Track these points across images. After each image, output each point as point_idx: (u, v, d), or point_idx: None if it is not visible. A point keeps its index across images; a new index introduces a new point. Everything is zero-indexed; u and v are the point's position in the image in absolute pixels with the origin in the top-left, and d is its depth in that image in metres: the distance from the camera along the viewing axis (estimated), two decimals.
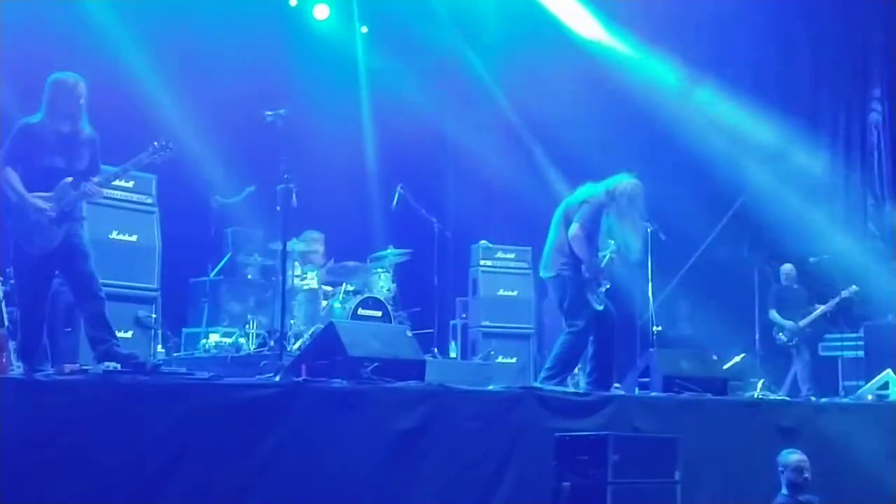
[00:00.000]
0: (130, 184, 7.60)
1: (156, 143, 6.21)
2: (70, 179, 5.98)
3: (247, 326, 9.33)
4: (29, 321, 5.95)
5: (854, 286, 10.87)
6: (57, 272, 6.11)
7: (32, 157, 5.94)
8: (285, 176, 7.36)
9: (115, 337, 6.06)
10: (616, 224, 7.91)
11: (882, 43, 12.48)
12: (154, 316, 7.74)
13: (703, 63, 12.43)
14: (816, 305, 10.95)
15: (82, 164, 6.08)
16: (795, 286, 11.20)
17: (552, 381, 7.53)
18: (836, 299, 10.87)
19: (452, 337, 11.10)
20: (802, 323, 10.90)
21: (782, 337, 10.94)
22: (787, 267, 11.28)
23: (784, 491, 6.58)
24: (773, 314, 11.04)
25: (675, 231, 10.34)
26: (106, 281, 6.45)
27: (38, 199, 5.87)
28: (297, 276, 9.57)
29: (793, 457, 6.60)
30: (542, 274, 8.10)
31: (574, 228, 7.72)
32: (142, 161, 6.24)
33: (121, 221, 7.61)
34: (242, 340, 9.19)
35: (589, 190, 7.93)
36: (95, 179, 6.10)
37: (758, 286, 11.50)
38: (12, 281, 6.36)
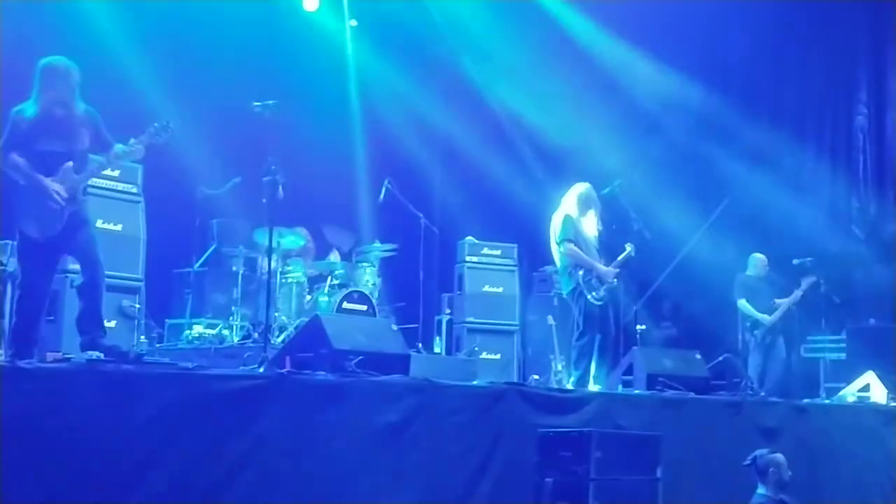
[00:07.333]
0: (116, 173, 7.57)
1: (156, 125, 6.25)
2: (71, 164, 5.96)
3: (231, 318, 9.30)
4: (27, 307, 5.92)
5: (812, 277, 10.53)
6: (64, 254, 6.09)
7: (30, 143, 5.91)
8: (272, 168, 7.33)
9: (103, 331, 6.05)
10: None
11: (868, 47, 12.54)
12: (138, 306, 7.72)
13: (691, 67, 12.46)
14: (776, 301, 10.46)
15: (81, 145, 6.05)
16: (762, 277, 10.73)
17: None
18: (800, 291, 10.48)
19: (437, 332, 11.09)
20: (770, 319, 10.35)
21: (756, 334, 10.39)
22: (758, 256, 10.78)
23: (761, 490, 6.56)
24: (744, 303, 10.51)
25: (660, 230, 10.39)
26: None
27: (53, 183, 5.87)
28: (281, 270, 9.54)
29: (778, 455, 6.59)
30: None
31: None
32: (143, 141, 6.26)
33: (106, 211, 7.58)
34: (226, 332, 9.16)
35: None
36: (101, 158, 6.12)
37: None
38: (5, 267, 6.34)
